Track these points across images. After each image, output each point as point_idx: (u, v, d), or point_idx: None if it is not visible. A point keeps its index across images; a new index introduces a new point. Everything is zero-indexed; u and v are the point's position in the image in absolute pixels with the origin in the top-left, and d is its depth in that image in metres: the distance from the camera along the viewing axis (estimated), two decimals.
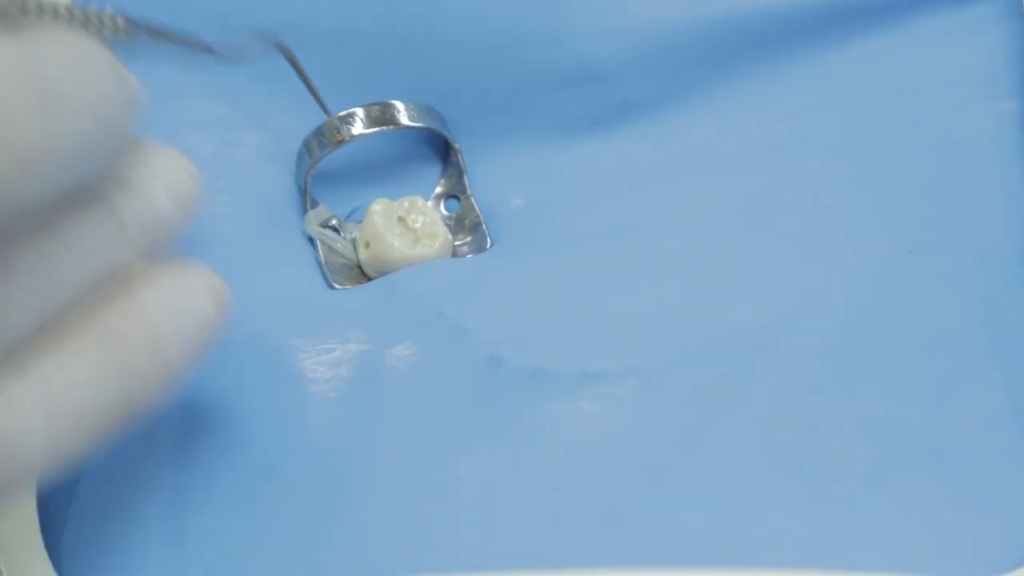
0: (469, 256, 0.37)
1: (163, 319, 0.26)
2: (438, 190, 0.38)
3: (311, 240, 0.37)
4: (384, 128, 0.36)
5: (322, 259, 0.36)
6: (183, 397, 0.32)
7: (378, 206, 0.37)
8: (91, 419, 0.26)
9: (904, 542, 0.29)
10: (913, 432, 0.31)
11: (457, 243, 0.37)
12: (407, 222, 0.36)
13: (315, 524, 0.30)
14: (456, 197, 0.38)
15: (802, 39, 0.38)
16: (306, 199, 0.37)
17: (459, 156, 0.38)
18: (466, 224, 0.38)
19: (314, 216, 0.36)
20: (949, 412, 0.31)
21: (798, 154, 0.36)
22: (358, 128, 0.36)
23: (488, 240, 0.37)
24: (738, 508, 0.29)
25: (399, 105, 0.37)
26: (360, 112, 0.36)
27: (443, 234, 0.37)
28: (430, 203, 0.38)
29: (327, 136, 0.36)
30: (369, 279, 0.36)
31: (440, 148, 0.39)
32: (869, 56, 0.38)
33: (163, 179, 0.27)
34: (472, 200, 0.38)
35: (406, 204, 0.37)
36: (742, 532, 0.29)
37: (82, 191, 0.25)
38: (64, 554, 0.31)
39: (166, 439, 0.32)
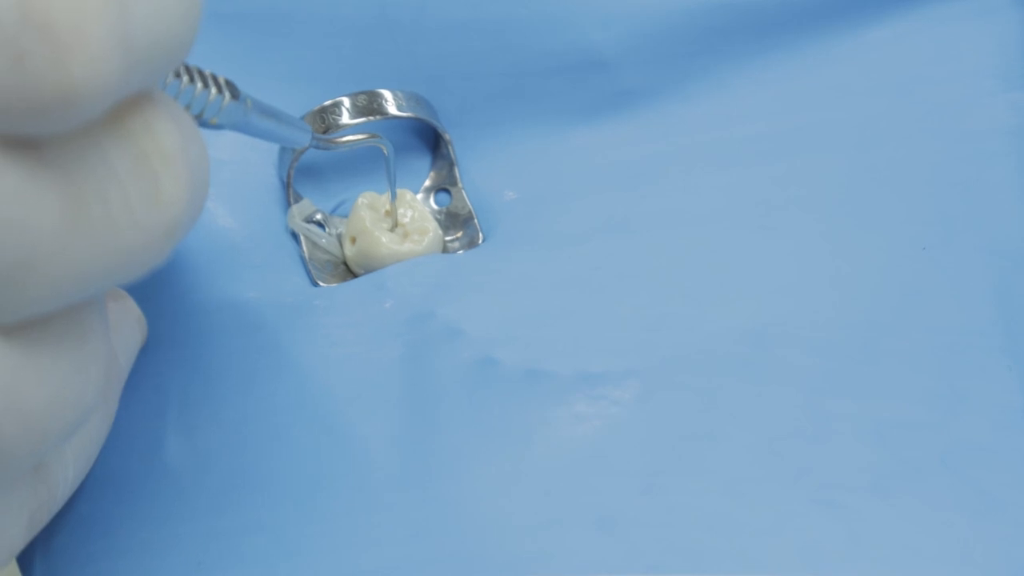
0: (460, 252, 0.37)
1: (118, 346, 0.31)
2: (427, 183, 0.39)
3: (294, 236, 0.37)
4: (371, 118, 0.37)
5: (306, 255, 0.36)
6: (159, 402, 0.33)
7: (365, 200, 0.37)
8: (91, 457, 0.30)
9: (913, 551, 0.29)
10: (923, 435, 0.31)
11: (448, 238, 0.38)
12: (395, 217, 0.37)
13: (298, 531, 0.30)
14: (446, 190, 0.38)
15: (810, 26, 0.38)
16: (289, 193, 0.37)
17: (449, 147, 0.38)
18: (457, 219, 0.38)
19: (298, 211, 0.37)
20: (961, 415, 0.31)
21: (806, 146, 0.37)
22: (344, 118, 0.36)
23: (480, 235, 0.37)
24: (739, 515, 0.30)
25: (387, 94, 0.37)
26: (346, 101, 0.37)
27: (433, 229, 0.37)
28: (419, 197, 0.38)
29: (311, 127, 0.36)
30: (355, 276, 0.36)
31: (430, 139, 0.39)
32: (880, 44, 0.38)
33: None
34: (463, 193, 0.38)
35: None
36: (742, 540, 0.29)
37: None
38: (36, 565, 0.32)
39: (142, 446, 0.32)
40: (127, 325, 0.32)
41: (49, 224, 0.21)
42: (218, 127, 0.28)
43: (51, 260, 0.21)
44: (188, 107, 0.26)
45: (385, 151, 0.36)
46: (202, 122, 0.27)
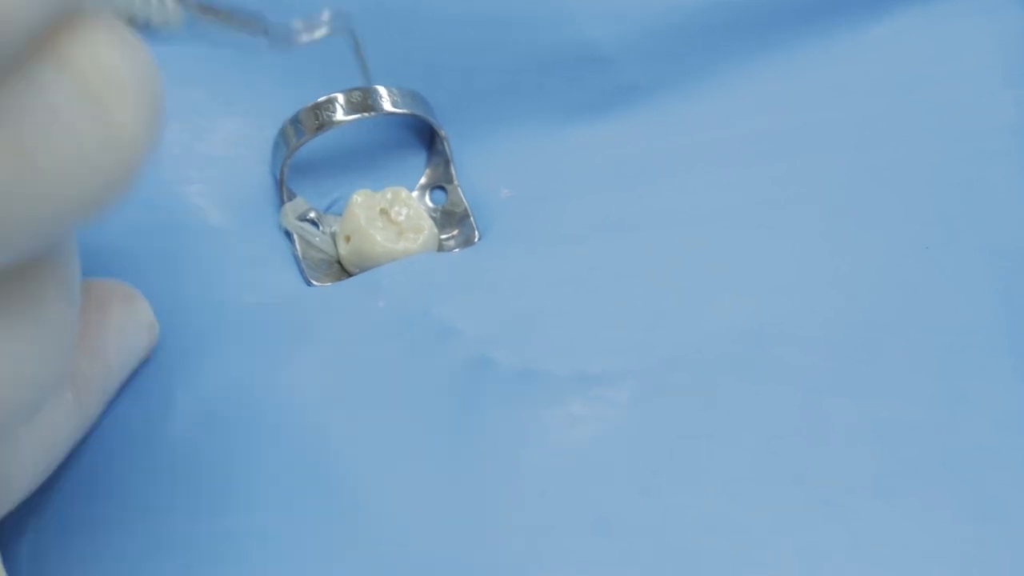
0: (456, 251, 0.37)
1: (112, 349, 0.31)
2: (423, 180, 0.38)
3: (287, 234, 0.37)
4: (366, 115, 0.36)
5: (299, 254, 0.36)
6: (148, 403, 0.33)
7: (359, 198, 0.37)
8: (56, 454, 0.30)
9: (914, 554, 0.29)
10: (925, 437, 0.31)
11: (443, 237, 0.38)
12: (390, 215, 0.37)
13: (288, 535, 0.30)
14: (442, 188, 0.38)
15: (811, 23, 0.38)
16: (282, 190, 0.37)
17: (445, 144, 0.38)
18: (453, 216, 0.38)
19: (291, 209, 0.37)
20: (964, 416, 0.31)
21: (806, 145, 0.36)
22: (338, 115, 0.36)
23: (476, 234, 0.37)
24: (737, 517, 0.30)
25: (381, 90, 0.37)
26: (340, 98, 0.36)
27: (428, 227, 0.37)
28: (415, 194, 0.38)
29: (304, 123, 0.36)
30: (349, 275, 0.36)
31: (425, 136, 0.39)
32: (883, 40, 0.38)
33: None
34: (459, 191, 0.38)
35: (389, 195, 0.37)
36: (741, 542, 0.29)
37: None
38: (23, 567, 0.32)
39: (131, 448, 0.32)
40: (133, 329, 0.32)
41: None
42: (167, 40, 0.26)
43: None
44: (131, 20, 0.24)
45: (355, 39, 0.35)
46: (149, 34, 0.25)
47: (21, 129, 0.20)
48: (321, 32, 0.34)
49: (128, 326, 0.32)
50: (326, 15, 0.34)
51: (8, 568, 0.32)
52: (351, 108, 0.36)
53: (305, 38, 0.33)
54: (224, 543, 0.30)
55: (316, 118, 0.36)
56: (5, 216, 0.20)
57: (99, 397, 0.31)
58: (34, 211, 0.20)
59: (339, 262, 0.37)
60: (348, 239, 0.36)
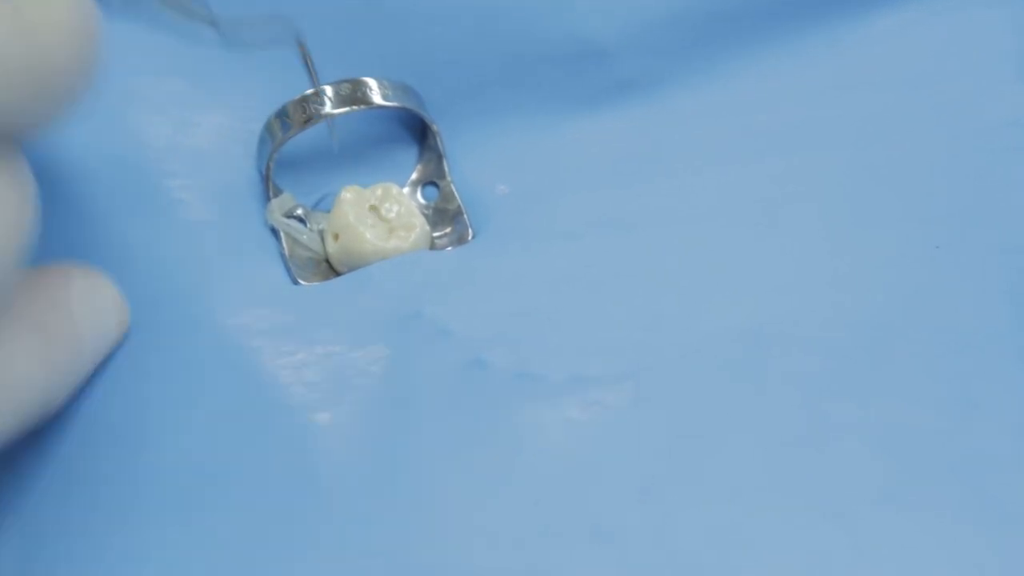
0: (449, 249, 0.37)
1: (83, 316, 0.31)
2: (414, 176, 0.38)
3: (274, 231, 0.36)
4: (355, 108, 0.36)
5: (286, 252, 0.36)
6: (128, 401, 0.32)
7: (348, 194, 0.37)
8: (19, 402, 0.29)
9: (923, 566, 0.29)
10: (933, 443, 0.31)
11: (435, 235, 0.37)
12: (380, 212, 0.36)
13: (273, 538, 0.30)
14: (434, 184, 0.38)
15: (818, 14, 0.38)
16: (268, 186, 0.37)
17: (438, 139, 0.38)
18: (445, 214, 0.38)
19: (277, 205, 0.36)
20: (973, 421, 0.31)
21: (810, 140, 0.37)
22: (326, 108, 0.36)
23: (469, 231, 0.37)
24: (738, 525, 0.29)
25: (372, 82, 0.37)
26: (328, 90, 0.36)
27: (420, 225, 0.36)
28: (406, 191, 0.38)
29: (291, 117, 0.36)
30: (338, 274, 0.36)
31: (417, 130, 0.39)
32: (890, 32, 0.38)
33: None
34: (452, 187, 0.38)
35: (379, 192, 0.37)
36: (741, 551, 0.29)
37: None
38: (8, 568, 0.32)
39: (112, 449, 0.32)
40: (98, 300, 0.32)
41: None
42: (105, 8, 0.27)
43: None
44: None
45: (300, 45, 0.35)
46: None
47: None
48: (268, 41, 0.35)
49: (92, 296, 0.32)
50: (273, 23, 0.35)
51: None
52: (340, 101, 0.36)
53: (253, 43, 0.34)
54: (210, 545, 0.30)
55: (303, 111, 0.36)
56: None
57: (70, 356, 0.31)
58: None
59: (327, 260, 0.37)
60: (336, 237, 0.36)
